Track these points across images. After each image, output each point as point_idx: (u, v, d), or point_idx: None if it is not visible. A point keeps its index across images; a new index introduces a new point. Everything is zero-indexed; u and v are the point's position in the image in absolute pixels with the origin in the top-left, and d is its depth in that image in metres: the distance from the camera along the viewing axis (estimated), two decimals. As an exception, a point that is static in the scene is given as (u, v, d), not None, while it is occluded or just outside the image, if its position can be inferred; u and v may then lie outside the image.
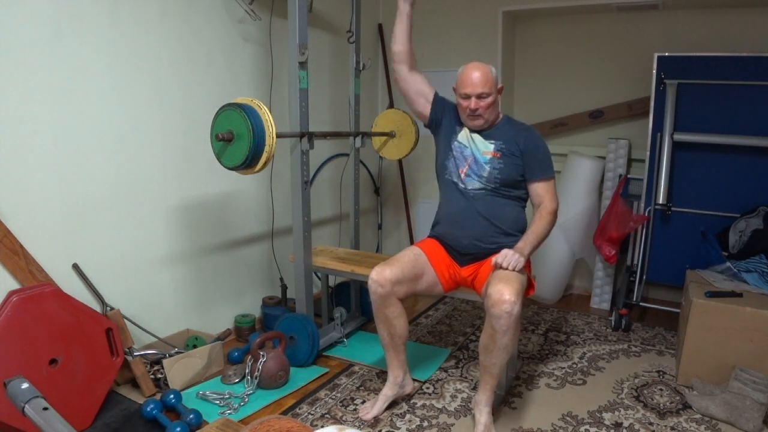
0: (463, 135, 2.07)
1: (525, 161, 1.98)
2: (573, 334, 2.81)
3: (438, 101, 2.15)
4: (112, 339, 1.96)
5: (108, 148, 2.14)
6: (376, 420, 1.99)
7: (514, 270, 1.80)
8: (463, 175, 2.03)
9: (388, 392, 2.06)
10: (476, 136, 2.04)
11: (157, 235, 2.37)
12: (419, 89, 2.14)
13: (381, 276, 1.90)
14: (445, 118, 2.12)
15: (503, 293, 1.70)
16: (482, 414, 1.90)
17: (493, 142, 2.01)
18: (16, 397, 0.92)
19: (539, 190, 1.99)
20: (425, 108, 2.14)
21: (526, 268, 1.96)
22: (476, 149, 2.02)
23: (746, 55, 2.64)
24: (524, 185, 2.03)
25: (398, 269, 1.93)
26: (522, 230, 2.05)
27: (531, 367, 2.43)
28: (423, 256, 2.05)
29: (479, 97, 1.94)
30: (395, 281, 1.91)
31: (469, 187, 2.02)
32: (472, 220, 2.01)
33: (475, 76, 1.93)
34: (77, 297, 1.92)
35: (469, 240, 2.02)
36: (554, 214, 1.97)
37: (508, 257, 1.83)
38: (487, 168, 1.99)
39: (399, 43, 2.06)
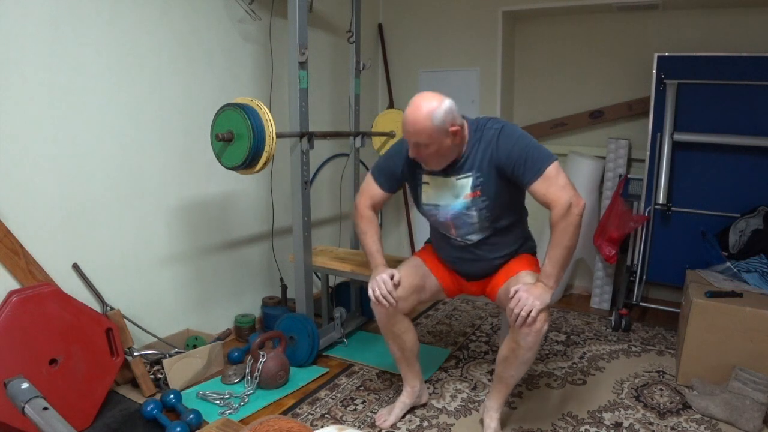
0: (428, 191, 1.81)
1: (509, 173, 1.67)
2: (573, 334, 2.81)
3: (389, 182, 1.90)
4: (112, 339, 1.96)
5: (108, 148, 2.14)
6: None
7: (530, 314, 1.57)
8: (454, 233, 1.83)
9: (406, 400, 2.01)
10: (447, 180, 1.75)
11: (157, 235, 2.37)
12: (381, 201, 1.95)
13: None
14: (407, 181, 1.89)
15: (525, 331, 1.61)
16: (492, 420, 1.86)
17: (469, 176, 1.72)
18: (16, 397, 0.92)
19: (538, 190, 1.63)
20: (385, 195, 1.94)
21: (537, 270, 1.83)
22: (450, 200, 1.77)
23: (746, 55, 2.64)
24: (517, 194, 1.78)
25: (401, 282, 1.86)
26: (525, 239, 1.93)
27: (531, 367, 2.43)
28: (423, 266, 1.97)
29: (417, 146, 1.67)
30: (399, 298, 1.82)
31: (467, 240, 1.83)
32: (471, 262, 1.89)
33: (410, 122, 1.62)
34: (77, 297, 1.92)
35: (471, 271, 1.93)
36: (568, 210, 1.59)
37: (521, 303, 1.58)
38: (474, 213, 1.75)
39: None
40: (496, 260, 1.88)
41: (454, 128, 1.63)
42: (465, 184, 1.73)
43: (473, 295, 2.06)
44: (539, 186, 1.63)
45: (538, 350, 1.73)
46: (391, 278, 1.83)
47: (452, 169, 1.74)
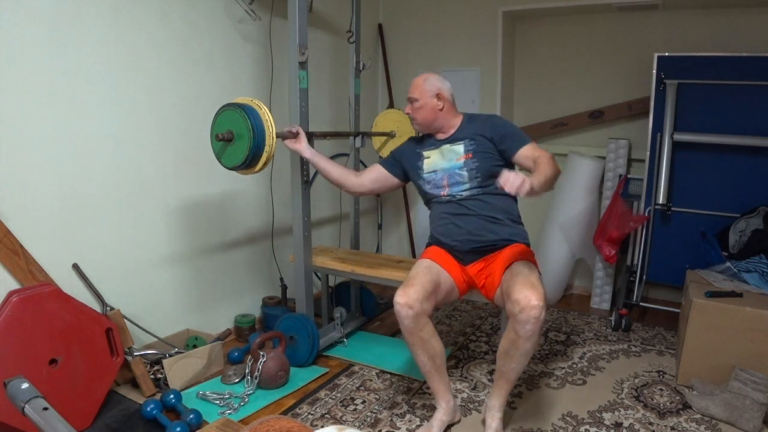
0: (428, 162, 2.10)
1: (500, 145, 1.99)
2: (573, 334, 2.81)
3: (391, 162, 2.23)
4: (112, 339, 1.96)
5: (108, 148, 2.14)
6: (376, 420, 1.99)
7: (518, 192, 1.54)
8: (447, 190, 2.05)
9: (443, 417, 1.91)
10: (443, 148, 2.08)
11: (157, 235, 2.37)
12: (377, 178, 2.23)
13: (408, 298, 1.79)
14: (406, 163, 2.18)
15: (531, 299, 1.65)
16: (494, 419, 1.85)
17: (461, 143, 2.04)
18: (16, 397, 0.92)
19: (527, 152, 1.93)
20: (394, 181, 2.23)
21: (533, 260, 1.96)
22: (446, 164, 2.05)
23: (746, 55, 2.64)
24: (503, 165, 1.99)
25: (420, 286, 1.84)
26: (514, 219, 2.06)
27: (531, 367, 2.43)
28: (434, 265, 1.99)
29: (410, 101, 2.09)
30: (422, 299, 1.81)
31: (457, 196, 2.03)
32: (464, 217, 2.01)
33: (412, 83, 2.11)
34: (77, 297, 1.92)
35: (464, 236, 1.99)
36: (554, 161, 1.86)
37: (510, 179, 1.54)
38: (465, 172, 2.01)
39: (345, 185, 2.22)
40: (489, 223, 1.99)
41: (438, 92, 2.06)
42: (458, 149, 2.05)
43: (477, 288, 2.06)
44: (527, 149, 1.95)
45: (537, 341, 1.76)
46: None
47: (447, 139, 2.09)
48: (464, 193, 2.02)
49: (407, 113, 2.12)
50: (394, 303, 1.82)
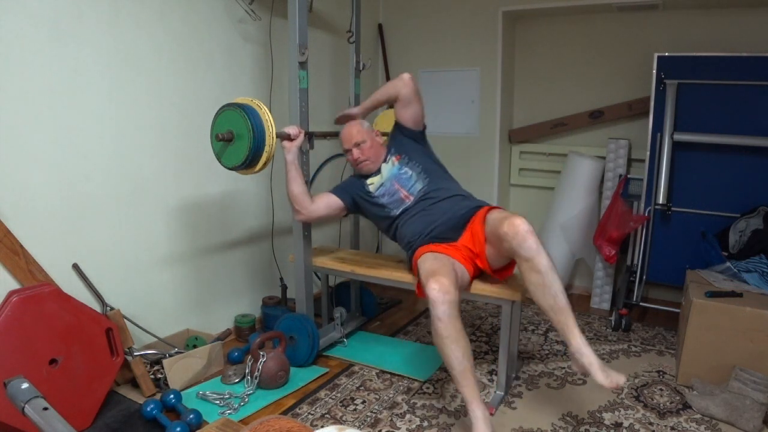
0: (373, 184, 2.30)
1: (401, 131, 2.33)
2: (573, 334, 2.81)
3: (341, 191, 2.34)
4: (112, 339, 1.96)
5: (108, 148, 2.14)
6: (376, 420, 1.99)
7: None
8: (407, 195, 2.22)
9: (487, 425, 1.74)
10: (381, 168, 2.30)
11: (157, 235, 2.37)
12: (330, 204, 2.31)
13: (443, 284, 1.75)
14: (355, 192, 2.33)
15: (514, 223, 1.78)
16: (588, 356, 1.70)
17: (389, 156, 2.31)
18: (16, 397, 0.92)
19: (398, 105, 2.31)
20: (343, 208, 2.34)
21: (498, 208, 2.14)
22: (387, 174, 2.28)
23: (746, 55, 2.64)
24: (428, 149, 2.37)
25: (447, 273, 1.82)
26: (467, 192, 2.27)
27: (531, 367, 2.43)
28: (438, 254, 2.02)
29: (356, 146, 2.26)
30: (455, 284, 1.80)
31: (420, 193, 2.20)
32: (436, 205, 2.16)
33: (348, 133, 2.30)
34: (77, 297, 1.92)
35: (445, 215, 2.12)
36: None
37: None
38: (408, 170, 2.25)
39: (300, 204, 2.24)
40: (459, 201, 2.18)
41: (374, 130, 2.36)
42: (391, 159, 2.30)
43: (483, 267, 2.06)
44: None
45: (547, 253, 1.80)
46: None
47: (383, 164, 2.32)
48: (424, 188, 2.20)
49: (356, 159, 2.27)
50: (429, 294, 1.75)
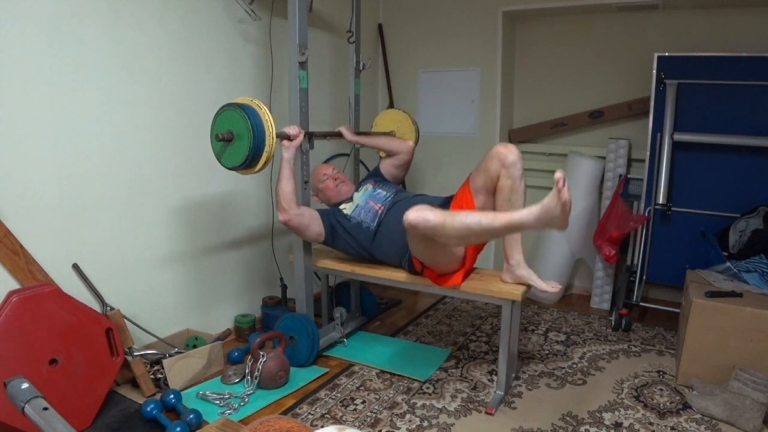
0: (348, 208, 2.42)
1: (379, 177, 2.59)
2: (573, 334, 2.81)
3: (324, 214, 2.38)
4: (112, 339, 1.96)
5: (108, 148, 2.14)
6: (376, 420, 1.99)
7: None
8: (381, 208, 2.35)
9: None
10: (354, 196, 2.48)
11: (157, 235, 2.37)
12: (313, 216, 2.32)
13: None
14: (333, 218, 2.39)
15: (504, 147, 2.02)
16: (528, 269, 2.11)
17: (363, 183, 2.53)
18: (16, 397, 0.92)
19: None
20: (321, 227, 2.34)
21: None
22: (362, 195, 2.45)
23: (746, 55, 2.64)
24: (400, 175, 2.66)
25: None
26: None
27: (531, 367, 2.43)
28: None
29: (333, 178, 2.48)
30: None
31: (391, 202, 2.34)
32: (409, 201, 2.29)
33: (322, 167, 2.56)
34: (77, 297, 1.92)
35: (423, 202, 2.19)
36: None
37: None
38: (380, 191, 2.43)
39: (287, 203, 2.20)
40: (429, 197, 2.37)
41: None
42: (363, 186, 2.52)
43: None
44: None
45: (523, 176, 2.06)
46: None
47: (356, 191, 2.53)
48: (393, 198, 2.37)
49: (335, 178, 2.48)
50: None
